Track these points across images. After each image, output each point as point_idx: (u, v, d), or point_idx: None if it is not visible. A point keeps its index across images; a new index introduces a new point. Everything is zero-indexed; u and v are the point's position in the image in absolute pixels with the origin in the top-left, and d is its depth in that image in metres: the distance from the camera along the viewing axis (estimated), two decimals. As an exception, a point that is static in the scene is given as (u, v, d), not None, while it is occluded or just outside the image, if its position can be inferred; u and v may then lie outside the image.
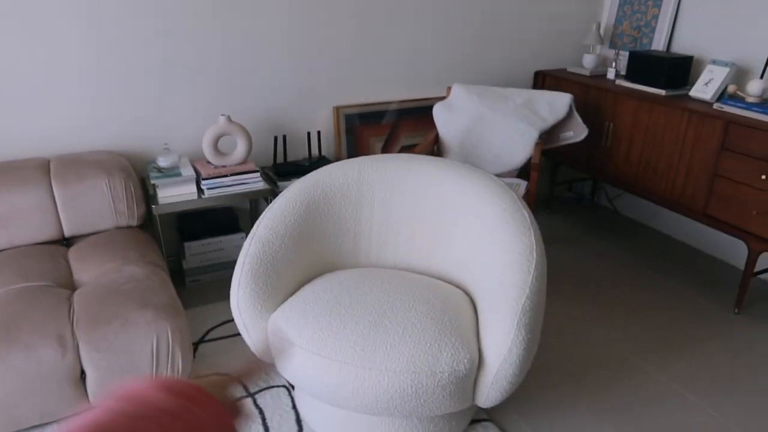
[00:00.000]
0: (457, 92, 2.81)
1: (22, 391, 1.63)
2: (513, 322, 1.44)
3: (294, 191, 1.84)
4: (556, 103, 2.74)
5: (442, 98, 3.03)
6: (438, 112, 2.79)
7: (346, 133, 2.84)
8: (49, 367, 1.64)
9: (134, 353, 1.73)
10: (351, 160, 1.94)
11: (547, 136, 2.79)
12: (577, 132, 2.78)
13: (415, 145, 3.01)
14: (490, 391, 1.49)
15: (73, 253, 2.06)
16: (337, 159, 2.87)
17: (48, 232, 2.09)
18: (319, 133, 2.72)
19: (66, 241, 2.19)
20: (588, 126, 2.92)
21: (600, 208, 3.56)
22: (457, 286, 1.78)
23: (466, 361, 1.45)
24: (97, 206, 2.13)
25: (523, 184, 2.60)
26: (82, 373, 1.71)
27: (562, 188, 3.77)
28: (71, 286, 1.90)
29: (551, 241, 3.08)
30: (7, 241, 2.04)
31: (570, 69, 3.26)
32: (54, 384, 1.67)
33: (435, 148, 2.80)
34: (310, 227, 1.80)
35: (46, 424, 1.76)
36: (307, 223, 1.80)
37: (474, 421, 1.79)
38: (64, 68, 2.23)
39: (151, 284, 1.86)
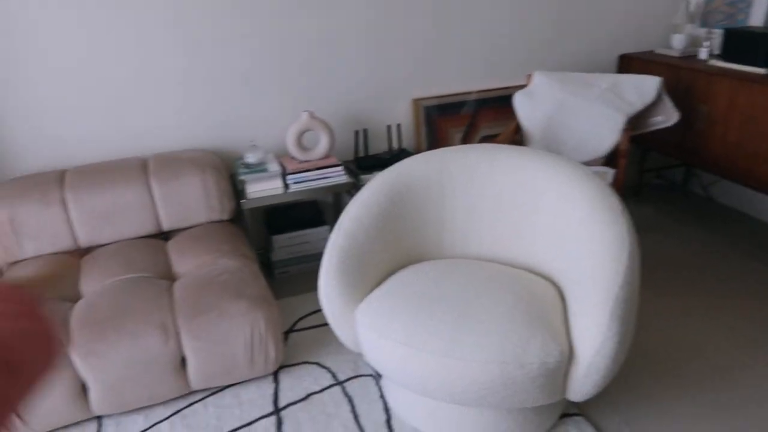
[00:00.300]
0: (538, 80, 2.75)
1: (130, 375, 1.75)
2: (606, 314, 1.40)
3: (377, 183, 1.86)
4: (644, 86, 2.62)
5: (522, 86, 2.97)
6: (519, 100, 2.74)
7: (425, 125, 2.84)
8: (153, 354, 1.75)
9: (230, 341, 1.81)
10: (432, 151, 1.94)
11: (635, 121, 2.68)
12: (667, 116, 2.65)
13: (495, 135, 2.97)
14: (582, 384, 1.46)
15: (171, 246, 2.18)
16: (417, 151, 2.88)
17: (148, 227, 2.23)
18: (398, 126, 2.73)
19: (164, 235, 2.32)
20: (679, 109, 2.77)
21: (692, 195, 3.38)
22: (545, 278, 1.74)
23: (556, 353, 1.42)
24: (191, 202, 2.24)
25: (610, 172, 2.51)
26: (183, 359, 1.82)
27: (651, 175, 3.61)
28: (171, 278, 2.02)
29: (641, 231, 2.95)
30: (112, 235, 2.19)
31: (658, 51, 3.11)
32: (158, 369, 1.78)
33: (516, 138, 2.75)
34: (394, 219, 1.82)
35: (153, 405, 1.88)
36: (391, 214, 1.82)
37: (565, 415, 1.75)
38: (159, 75, 2.36)
39: (243, 276, 1.94)
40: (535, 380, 1.42)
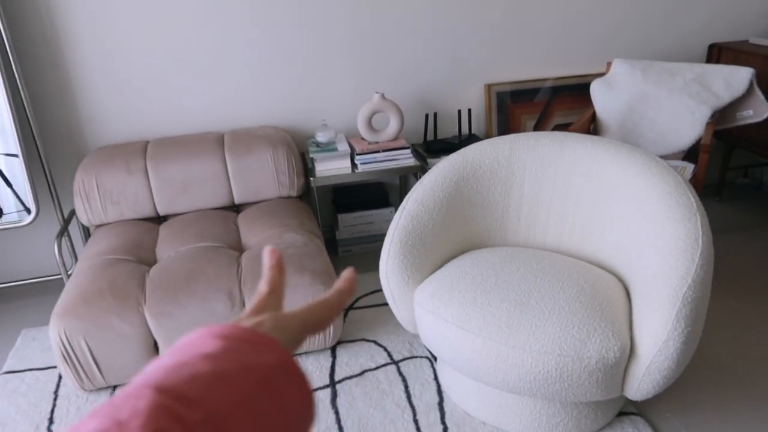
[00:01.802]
0: (619, 68, 2.64)
1: (198, 337, 1.84)
2: (672, 312, 1.35)
3: (444, 167, 1.86)
4: (734, 78, 2.47)
5: (601, 74, 2.86)
6: (596, 88, 2.65)
7: (497, 111, 2.80)
8: (219, 319, 1.83)
9: (292, 313, 1.87)
10: (502, 137, 1.92)
11: (721, 115, 2.53)
12: (758, 111, 2.48)
13: (569, 125, 2.89)
14: (642, 383, 1.42)
15: (241, 218, 2.27)
16: (487, 137, 2.84)
17: (221, 199, 2.32)
18: (469, 110, 2.71)
19: (235, 208, 2.41)
20: (773, 104, 2.59)
21: (782, 197, 3.17)
22: (610, 272, 1.70)
23: (616, 348, 1.39)
24: (263, 177, 2.32)
25: (690, 167, 2.39)
26: (247, 326, 1.89)
27: (736, 173, 3.41)
28: (239, 248, 2.10)
29: (719, 231, 2.80)
30: (188, 205, 2.30)
31: (753, 41, 2.91)
32: (224, 334, 1.86)
33: (591, 128, 2.67)
34: (458, 203, 1.82)
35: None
36: (455, 199, 1.82)
37: (622, 414, 1.71)
38: (238, 54, 2.44)
39: (308, 251, 2.00)
40: (593, 375, 1.40)
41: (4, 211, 2.26)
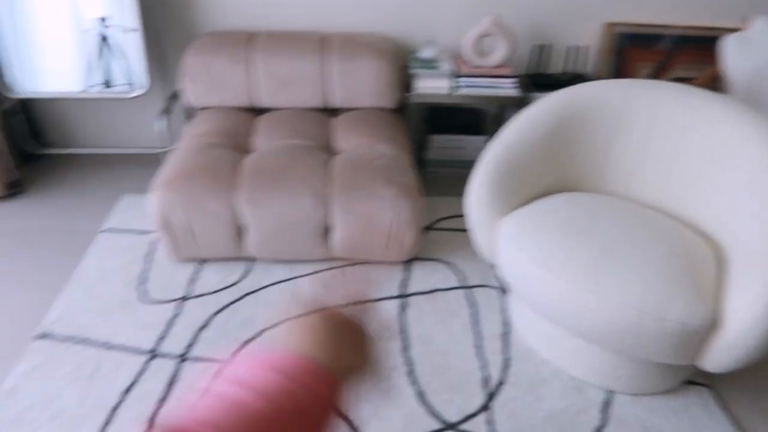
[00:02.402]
0: (762, 26, 2.40)
1: (283, 228, 1.92)
2: (772, 290, 1.29)
3: (550, 102, 1.79)
4: None
5: (733, 30, 2.62)
6: (729, 45, 2.43)
7: (613, 52, 2.64)
8: (305, 215, 1.90)
9: (373, 222, 1.91)
10: (619, 80, 1.81)
11: None
12: None
13: (687, 79, 2.69)
14: (721, 356, 1.38)
15: (337, 122, 2.29)
16: (597, 79, 2.70)
17: (319, 100, 2.34)
18: (583, 48, 2.56)
19: (331, 112, 2.43)
20: None
21: None
22: (708, 239, 1.62)
23: (701, 315, 1.35)
24: (363, 84, 2.31)
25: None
26: (328, 228, 1.95)
27: None
28: (331, 152, 2.13)
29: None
30: (287, 101, 2.34)
31: None
32: (306, 230, 1.93)
33: (714, 86, 2.48)
34: (558, 141, 1.76)
35: (296, 261, 2.06)
36: (556, 136, 1.76)
37: (689, 382, 1.68)
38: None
39: (397, 164, 2.01)
40: (670, 337, 1.37)
41: (116, 83, 2.37)
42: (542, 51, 2.64)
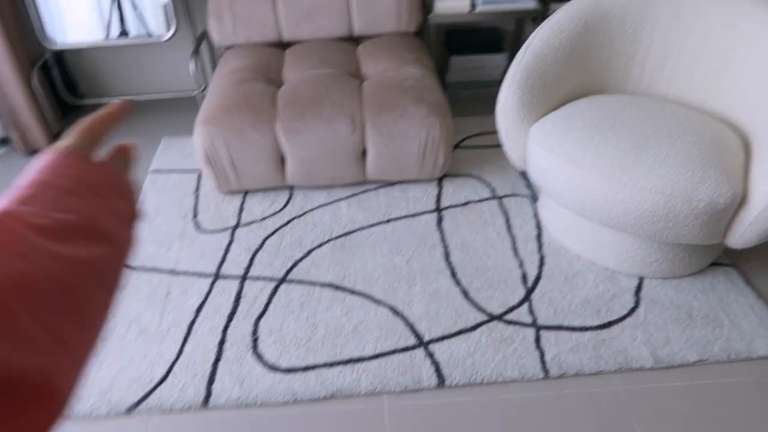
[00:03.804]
0: None
1: (320, 155, 2.02)
2: (795, 165, 1.37)
3: (573, 8, 1.83)
4: None
5: None
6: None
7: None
8: (341, 140, 1.99)
9: (407, 141, 2.00)
10: (639, -20, 1.84)
11: None
12: None
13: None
14: (747, 231, 1.48)
15: (361, 49, 2.35)
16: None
17: (342, 29, 2.39)
18: (600, -46, 2.54)
19: (354, 40, 2.48)
20: None
21: None
22: (734, 128, 1.69)
23: (728, 194, 1.44)
24: (383, 9, 2.35)
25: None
26: (364, 150, 2.05)
27: None
28: (360, 77, 2.20)
29: None
30: (310, 33, 2.39)
31: None
32: (343, 154, 2.03)
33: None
34: (583, 46, 1.81)
35: (334, 186, 2.18)
36: (581, 41, 1.80)
37: (715, 264, 1.79)
38: None
39: (426, 83, 2.07)
40: (699, 216, 1.46)
41: (144, 28, 2.44)
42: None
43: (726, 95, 1.70)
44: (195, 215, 2.08)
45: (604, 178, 1.54)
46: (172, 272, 1.85)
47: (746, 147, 1.59)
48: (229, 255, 1.91)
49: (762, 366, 1.51)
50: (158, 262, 1.89)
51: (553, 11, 1.87)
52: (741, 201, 1.47)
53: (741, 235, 1.50)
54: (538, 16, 2.43)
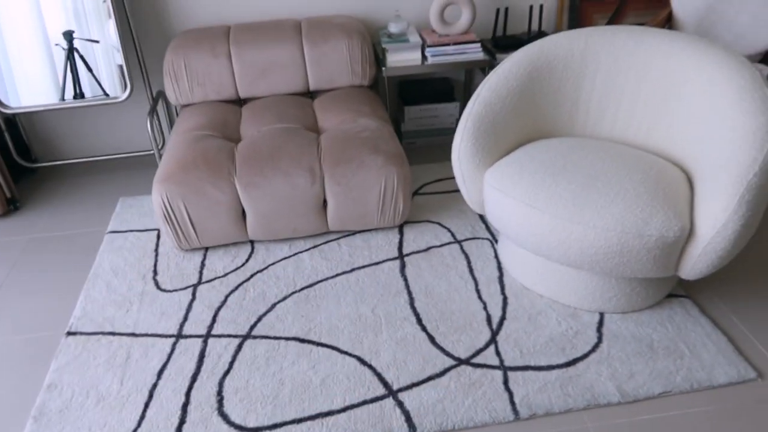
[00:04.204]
0: (702, -35, 2.55)
1: (281, 208, 2.03)
2: (734, 197, 1.44)
3: (519, 57, 1.92)
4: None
5: (682, -28, 2.77)
6: (675, -13, 2.58)
7: (568, 9, 2.77)
8: (301, 192, 2.01)
9: (366, 190, 2.03)
10: (579, 29, 1.94)
11: (806, 18, 2.46)
12: None
13: (642, 25, 2.84)
14: (697, 262, 1.54)
15: (317, 103, 2.39)
16: (556, 35, 2.83)
17: (297, 85, 2.44)
18: (541, 6, 2.69)
19: (310, 94, 2.53)
20: None
21: None
22: (675, 164, 1.77)
23: (676, 228, 1.50)
24: (338, 65, 2.41)
25: (766, 69, 2.36)
26: (324, 201, 2.07)
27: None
28: (317, 131, 2.24)
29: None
30: (267, 89, 2.43)
31: None
32: (303, 206, 2.04)
33: (666, 27, 2.63)
34: (530, 93, 1.89)
35: (295, 238, 2.18)
36: (527, 88, 1.89)
37: (671, 295, 1.84)
38: (316, -64, 2.46)
39: (381, 134, 2.12)
40: (651, 251, 1.52)
41: (98, 90, 2.44)
42: (503, 13, 2.77)
43: (666, 133, 1.80)
44: (155, 274, 2.04)
45: (558, 218, 1.59)
46: (132, 335, 1.80)
47: (690, 182, 1.67)
48: (191, 313, 1.87)
49: (723, 394, 1.55)
50: (117, 325, 1.83)
51: (500, 61, 1.96)
52: (689, 234, 1.53)
53: (692, 267, 1.56)
54: (486, 65, 2.53)
